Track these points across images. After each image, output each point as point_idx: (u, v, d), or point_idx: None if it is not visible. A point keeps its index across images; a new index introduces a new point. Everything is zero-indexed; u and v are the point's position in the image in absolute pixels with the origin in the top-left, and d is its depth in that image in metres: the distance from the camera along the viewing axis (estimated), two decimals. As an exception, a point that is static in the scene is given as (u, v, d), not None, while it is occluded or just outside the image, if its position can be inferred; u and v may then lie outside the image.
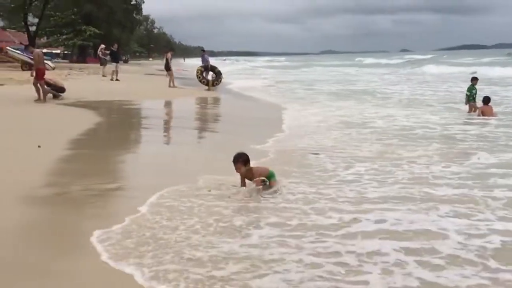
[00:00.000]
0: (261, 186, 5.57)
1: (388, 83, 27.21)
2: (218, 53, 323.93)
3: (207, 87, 21.94)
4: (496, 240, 4.13)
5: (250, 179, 5.65)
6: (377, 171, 6.59)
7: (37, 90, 13.98)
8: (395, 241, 4.07)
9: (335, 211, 4.83)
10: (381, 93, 20.45)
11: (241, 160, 5.53)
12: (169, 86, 21.98)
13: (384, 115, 12.99)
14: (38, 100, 13.89)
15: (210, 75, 22.52)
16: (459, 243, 4.07)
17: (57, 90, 15.04)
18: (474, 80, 13.69)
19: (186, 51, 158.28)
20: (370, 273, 3.49)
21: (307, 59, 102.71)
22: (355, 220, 4.58)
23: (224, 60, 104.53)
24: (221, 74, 23.02)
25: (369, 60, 75.49)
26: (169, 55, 23.72)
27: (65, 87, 15.47)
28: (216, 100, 18.27)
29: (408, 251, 3.87)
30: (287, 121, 11.90)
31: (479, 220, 4.63)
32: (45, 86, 14.19)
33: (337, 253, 3.82)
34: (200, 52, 26.63)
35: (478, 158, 7.38)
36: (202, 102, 17.53)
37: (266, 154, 7.62)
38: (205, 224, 4.39)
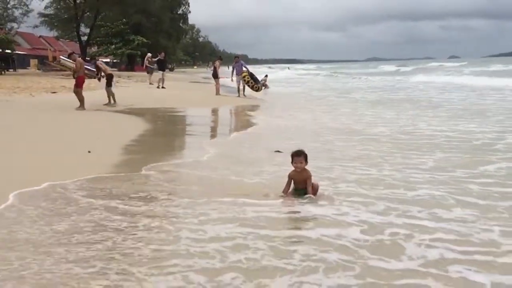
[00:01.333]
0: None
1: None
2: (262, 60, 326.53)
3: (240, 95, 22.05)
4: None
5: (299, 182, 5.41)
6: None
7: (80, 99, 14.38)
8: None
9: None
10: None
11: (305, 154, 5.38)
12: (216, 94, 22.12)
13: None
14: (79, 107, 14.27)
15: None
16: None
17: (106, 77, 16.38)
18: None
19: (230, 59, 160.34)
20: None
21: (349, 66, 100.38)
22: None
23: (270, 67, 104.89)
24: (259, 81, 22.90)
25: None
26: (217, 63, 23.59)
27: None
28: (255, 108, 18.25)
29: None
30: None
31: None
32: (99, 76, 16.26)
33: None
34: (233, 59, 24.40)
35: None
36: (243, 109, 17.59)
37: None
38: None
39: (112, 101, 16.07)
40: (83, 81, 14.76)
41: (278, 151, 7.97)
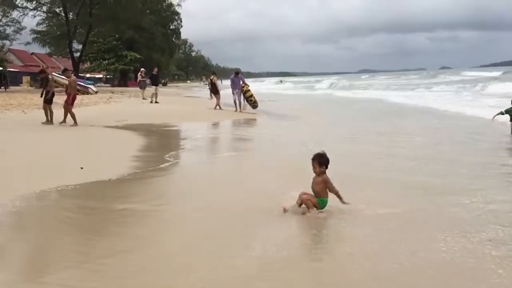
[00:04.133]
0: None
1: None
2: (255, 74, 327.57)
3: (238, 109, 21.70)
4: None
5: (314, 190, 5.25)
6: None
7: (72, 115, 14.40)
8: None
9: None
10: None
11: (319, 158, 5.26)
12: (215, 108, 21.91)
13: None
14: (62, 122, 14.33)
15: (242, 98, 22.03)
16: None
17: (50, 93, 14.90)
18: None
19: (223, 73, 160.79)
20: None
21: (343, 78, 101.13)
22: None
23: (263, 81, 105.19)
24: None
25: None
26: (214, 78, 23.23)
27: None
28: (251, 122, 18.23)
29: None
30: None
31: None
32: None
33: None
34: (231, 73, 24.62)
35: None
36: (243, 124, 17.56)
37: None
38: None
39: (49, 119, 14.62)
40: (75, 99, 14.88)
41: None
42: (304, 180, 5.58)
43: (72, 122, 14.28)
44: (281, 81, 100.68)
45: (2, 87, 42.74)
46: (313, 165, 5.26)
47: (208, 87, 25.00)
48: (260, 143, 12.41)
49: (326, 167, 5.26)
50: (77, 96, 15.05)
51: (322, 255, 4.21)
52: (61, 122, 14.37)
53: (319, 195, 5.23)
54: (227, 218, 5.15)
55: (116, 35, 60.87)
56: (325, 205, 5.24)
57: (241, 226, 4.88)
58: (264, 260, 3.91)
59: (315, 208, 5.19)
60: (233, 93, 22.19)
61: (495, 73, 61.44)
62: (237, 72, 23.05)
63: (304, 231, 4.92)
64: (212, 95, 23.02)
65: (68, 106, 14.51)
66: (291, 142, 11.65)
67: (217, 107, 21.96)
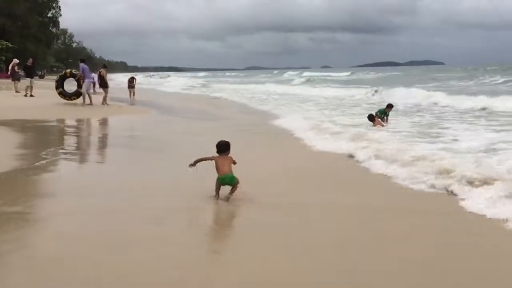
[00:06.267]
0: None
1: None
2: (142, 68, 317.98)
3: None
4: None
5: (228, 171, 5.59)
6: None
7: None
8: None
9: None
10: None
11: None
12: (102, 103, 20.89)
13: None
14: None
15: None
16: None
17: None
18: (389, 107, 14.28)
19: (110, 67, 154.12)
20: None
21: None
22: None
23: (152, 75, 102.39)
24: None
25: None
26: (103, 71, 22.15)
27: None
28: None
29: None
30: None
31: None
32: None
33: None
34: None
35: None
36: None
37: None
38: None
39: None
40: None
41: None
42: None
43: None
44: (151, 76, 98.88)
45: None
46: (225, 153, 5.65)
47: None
48: (143, 140, 12.12)
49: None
50: None
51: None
52: None
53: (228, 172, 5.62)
54: (103, 219, 5.01)
55: (-16, 22, 55.26)
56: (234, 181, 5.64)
57: (118, 226, 4.77)
58: (141, 260, 3.89)
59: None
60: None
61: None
62: (82, 59, 22.14)
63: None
64: (101, 89, 22.08)
65: None
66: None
67: (104, 102, 21.04)
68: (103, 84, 21.82)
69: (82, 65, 21.25)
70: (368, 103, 23.48)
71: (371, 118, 13.65)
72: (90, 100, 20.62)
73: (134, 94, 26.58)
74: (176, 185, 6.40)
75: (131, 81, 27.21)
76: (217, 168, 5.56)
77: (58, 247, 4.13)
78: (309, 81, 57.82)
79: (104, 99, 21.26)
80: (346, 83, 50.95)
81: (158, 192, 6.07)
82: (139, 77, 63.15)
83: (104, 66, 23.31)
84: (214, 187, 5.62)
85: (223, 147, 5.63)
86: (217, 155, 5.61)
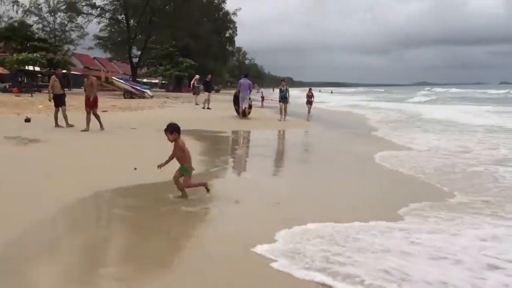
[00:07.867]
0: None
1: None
2: (307, 83, 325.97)
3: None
4: None
5: (180, 159, 5.79)
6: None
7: (95, 118, 14.04)
8: None
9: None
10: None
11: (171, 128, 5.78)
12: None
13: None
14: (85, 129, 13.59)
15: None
16: None
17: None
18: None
19: (275, 81, 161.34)
20: None
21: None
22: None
23: (319, 91, 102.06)
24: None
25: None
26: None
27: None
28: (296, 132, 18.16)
29: None
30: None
31: None
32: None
33: None
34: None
35: None
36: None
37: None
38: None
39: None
40: (97, 101, 14.39)
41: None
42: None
43: (98, 126, 13.90)
44: (331, 92, 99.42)
45: (67, 88, 44.85)
46: (166, 135, 5.77)
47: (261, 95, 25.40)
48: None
49: (178, 134, 5.75)
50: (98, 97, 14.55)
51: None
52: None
53: (182, 163, 5.74)
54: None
55: (173, 42, 62.60)
56: (187, 171, 5.73)
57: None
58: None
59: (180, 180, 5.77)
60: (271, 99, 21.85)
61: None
62: (245, 75, 22.41)
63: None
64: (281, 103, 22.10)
65: (93, 109, 14.06)
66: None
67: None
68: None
69: (240, 80, 21.84)
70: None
71: None
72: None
73: (309, 111, 26.04)
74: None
75: (310, 96, 26.85)
76: None
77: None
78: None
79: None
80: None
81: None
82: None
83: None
84: None
85: None
86: None
